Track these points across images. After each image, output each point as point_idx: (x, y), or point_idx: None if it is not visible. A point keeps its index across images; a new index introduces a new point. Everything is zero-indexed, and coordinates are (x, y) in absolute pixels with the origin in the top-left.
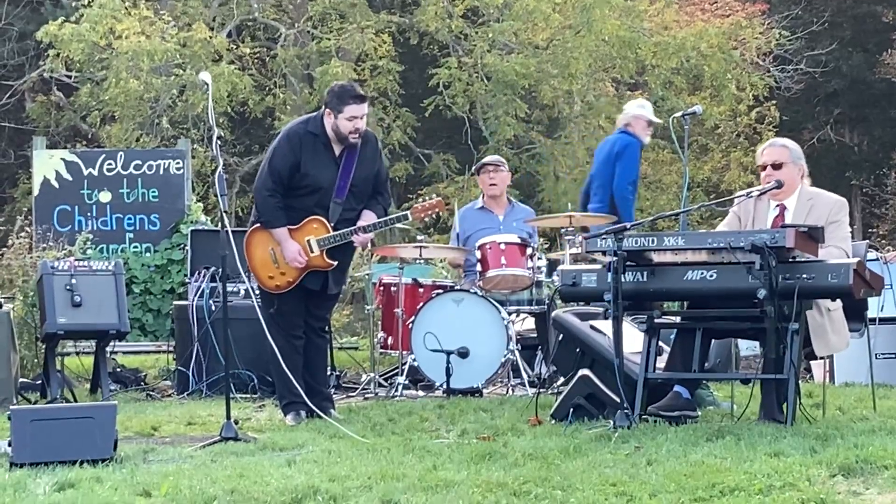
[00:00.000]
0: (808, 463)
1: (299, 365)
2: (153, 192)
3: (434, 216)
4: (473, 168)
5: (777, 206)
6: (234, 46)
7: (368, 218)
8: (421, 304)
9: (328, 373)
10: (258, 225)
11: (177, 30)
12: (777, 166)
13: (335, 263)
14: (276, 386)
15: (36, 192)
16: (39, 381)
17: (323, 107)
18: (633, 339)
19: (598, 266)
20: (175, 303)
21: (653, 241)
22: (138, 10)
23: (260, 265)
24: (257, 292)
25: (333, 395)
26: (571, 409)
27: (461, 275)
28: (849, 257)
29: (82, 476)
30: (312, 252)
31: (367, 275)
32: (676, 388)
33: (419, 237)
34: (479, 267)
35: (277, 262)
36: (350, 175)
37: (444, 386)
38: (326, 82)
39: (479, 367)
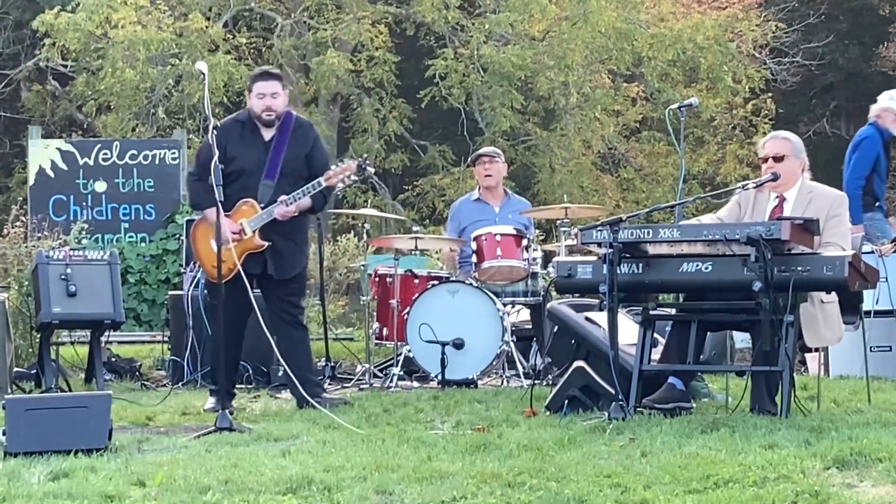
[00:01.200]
0: (803, 455)
1: (237, 358)
2: (149, 182)
3: (348, 180)
4: (469, 159)
5: (776, 197)
6: (231, 36)
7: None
8: (416, 295)
9: (314, 361)
10: (198, 218)
11: (173, 19)
12: (778, 158)
13: (266, 244)
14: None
15: (31, 181)
16: (34, 371)
17: None
18: (629, 330)
19: (594, 258)
20: (170, 293)
21: (648, 232)
22: None
23: (204, 256)
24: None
25: (328, 386)
26: (566, 401)
27: (456, 266)
28: None
29: (77, 465)
30: (245, 234)
31: (363, 266)
32: (671, 379)
33: (415, 228)
34: (474, 258)
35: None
36: (280, 157)
37: (439, 377)
38: (323, 73)
39: (473, 358)
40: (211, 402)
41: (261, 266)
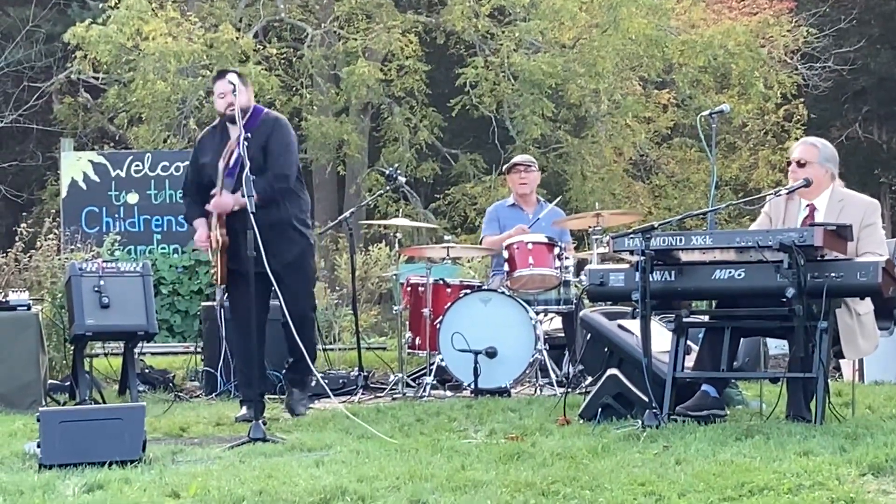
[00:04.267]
0: (838, 462)
1: (253, 357)
2: (181, 193)
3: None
4: (504, 167)
5: (807, 205)
6: (261, 47)
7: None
8: (448, 304)
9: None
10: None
11: (203, 31)
12: (802, 164)
13: (226, 240)
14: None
15: (64, 193)
16: (68, 383)
17: None
18: (662, 338)
19: (626, 265)
20: (203, 304)
21: (680, 240)
22: (165, 11)
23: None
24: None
25: (361, 396)
26: (600, 409)
27: (489, 274)
28: None
29: (111, 477)
30: (214, 232)
31: (395, 275)
32: (704, 387)
33: (446, 237)
34: (506, 267)
35: (211, 256)
36: (238, 156)
37: (472, 386)
38: (353, 83)
39: (506, 366)
40: (242, 411)
41: (239, 261)
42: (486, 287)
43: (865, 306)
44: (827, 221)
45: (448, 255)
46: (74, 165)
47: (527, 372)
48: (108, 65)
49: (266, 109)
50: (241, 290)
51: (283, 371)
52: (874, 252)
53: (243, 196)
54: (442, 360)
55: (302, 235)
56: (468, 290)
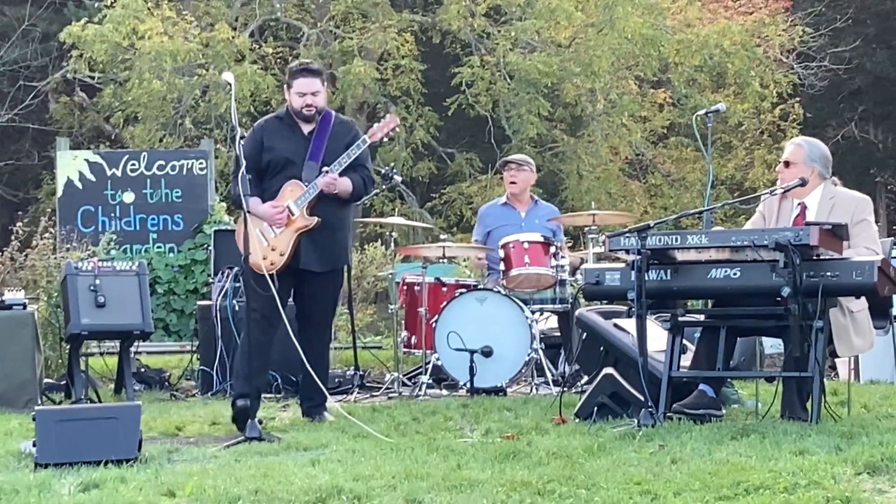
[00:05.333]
0: (833, 461)
1: (267, 360)
2: (176, 192)
3: (393, 133)
4: (498, 163)
5: (798, 205)
6: (257, 46)
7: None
8: (444, 303)
9: (328, 373)
10: (241, 217)
11: (199, 30)
12: (787, 165)
13: (317, 220)
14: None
15: (59, 192)
16: (64, 382)
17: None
18: (657, 337)
19: (622, 265)
20: (199, 303)
21: (676, 239)
22: (161, 10)
23: (254, 252)
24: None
25: (357, 395)
26: (595, 408)
27: (484, 274)
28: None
29: (107, 476)
30: (293, 215)
31: (391, 274)
32: (701, 386)
33: (442, 237)
34: (502, 266)
35: (266, 240)
36: (322, 145)
37: (468, 385)
38: (349, 82)
39: (502, 366)
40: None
41: (312, 257)
42: (481, 286)
43: (859, 304)
44: (818, 219)
45: (444, 254)
46: (70, 164)
47: (523, 371)
48: (104, 64)
49: (333, 112)
50: (284, 282)
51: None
52: (867, 248)
53: (326, 174)
54: (438, 359)
55: (349, 240)
56: (464, 290)
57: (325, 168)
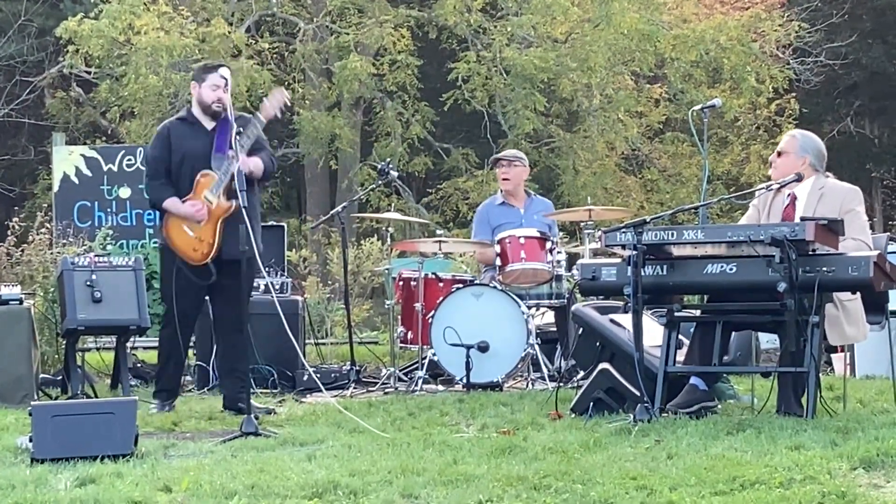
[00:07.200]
0: (829, 456)
1: (183, 359)
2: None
3: (281, 105)
4: (490, 160)
5: (788, 195)
6: (253, 41)
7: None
8: (440, 298)
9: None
10: (162, 217)
11: (195, 25)
12: (780, 153)
13: (236, 202)
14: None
15: (56, 188)
16: (60, 377)
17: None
18: (653, 332)
19: (618, 260)
20: None
21: (672, 234)
22: (157, 5)
23: (182, 245)
24: (277, 287)
25: (353, 390)
26: (591, 403)
27: (481, 269)
28: (869, 248)
29: (103, 471)
30: (212, 204)
31: (387, 269)
32: (692, 380)
33: (438, 231)
34: (498, 261)
35: (193, 232)
36: (226, 136)
37: (464, 380)
38: (345, 77)
39: (498, 361)
40: (157, 403)
41: (236, 242)
42: (478, 281)
43: (848, 294)
44: (807, 211)
45: (440, 249)
46: (66, 160)
47: (519, 366)
48: (100, 59)
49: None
50: (195, 294)
51: (224, 368)
52: (856, 238)
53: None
54: (434, 354)
55: (258, 226)
56: (460, 285)
57: (230, 152)
